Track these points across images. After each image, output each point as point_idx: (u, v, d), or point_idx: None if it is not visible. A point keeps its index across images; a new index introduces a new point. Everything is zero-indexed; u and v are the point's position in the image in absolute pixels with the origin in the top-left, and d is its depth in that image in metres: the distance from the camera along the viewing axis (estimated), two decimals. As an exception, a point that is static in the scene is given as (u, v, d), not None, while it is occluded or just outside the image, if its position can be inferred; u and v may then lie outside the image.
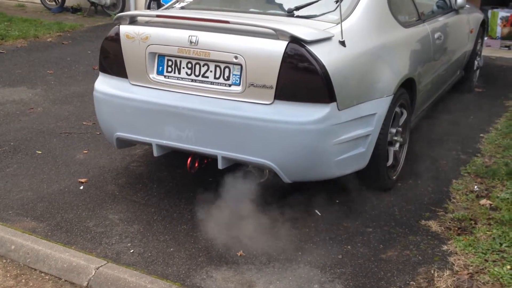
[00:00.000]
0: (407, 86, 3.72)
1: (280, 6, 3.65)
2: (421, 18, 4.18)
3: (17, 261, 3.00)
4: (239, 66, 3.08)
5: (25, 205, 3.50)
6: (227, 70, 3.13)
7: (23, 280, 2.87)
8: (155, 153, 3.40)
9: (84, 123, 4.90)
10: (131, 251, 3.04)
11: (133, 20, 3.42)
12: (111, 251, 3.03)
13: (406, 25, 3.84)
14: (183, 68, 3.25)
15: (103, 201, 3.55)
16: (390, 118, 3.48)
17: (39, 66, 6.75)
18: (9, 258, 3.03)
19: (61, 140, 4.51)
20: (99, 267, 2.86)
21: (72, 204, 3.51)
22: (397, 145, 3.71)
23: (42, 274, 2.92)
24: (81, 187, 3.73)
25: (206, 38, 3.14)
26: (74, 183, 3.79)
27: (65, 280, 2.86)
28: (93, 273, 2.84)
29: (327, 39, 3.08)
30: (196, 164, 3.47)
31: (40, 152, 4.29)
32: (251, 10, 3.70)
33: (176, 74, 3.28)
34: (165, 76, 3.31)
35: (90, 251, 3.02)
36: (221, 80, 3.16)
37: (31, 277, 2.90)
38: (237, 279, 2.82)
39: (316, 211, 3.45)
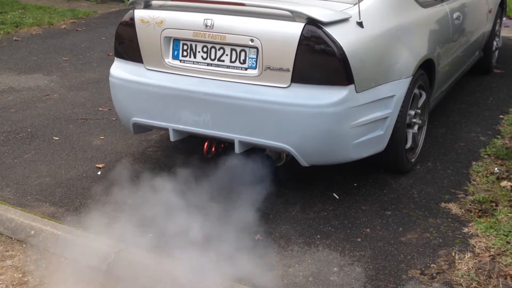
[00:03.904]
0: (426, 67, 3.66)
1: (295, -13, 3.60)
2: (440, -3, 4.09)
3: (37, 246, 3.03)
4: (255, 49, 3.05)
5: (43, 190, 3.52)
6: (243, 54, 3.10)
7: (43, 265, 2.89)
8: (172, 138, 3.39)
9: (100, 109, 4.91)
10: (150, 235, 3.04)
11: (147, 5, 3.40)
12: (130, 236, 3.03)
13: (424, 5, 3.76)
14: (199, 52, 3.23)
15: (121, 186, 3.56)
16: (409, 100, 3.43)
17: (54, 53, 6.77)
18: (29, 243, 3.06)
19: (78, 126, 4.53)
20: (118, 251, 2.88)
21: (90, 189, 3.52)
22: (416, 127, 3.66)
23: (62, 259, 2.94)
24: (99, 173, 3.74)
25: (221, 21, 3.11)
26: (92, 168, 3.81)
27: (85, 264, 2.88)
28: (112, 257, 2.86)
29: (344, 20, 3.03)
30: (213, 149, 3.46)
31: (57, 138, 4.31)
32: (266, -8, 3.65)
33: (192, 58, 3.25)
34: (180, 61, 3.29)
35: (109, 236, 3.03)
36: (237, 63, 3.13)
37: (51, 261, 2.92)
38: (255, 262, 2.81)
39: (334, 194, 3.43)
